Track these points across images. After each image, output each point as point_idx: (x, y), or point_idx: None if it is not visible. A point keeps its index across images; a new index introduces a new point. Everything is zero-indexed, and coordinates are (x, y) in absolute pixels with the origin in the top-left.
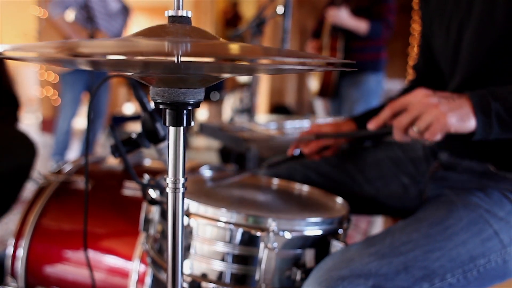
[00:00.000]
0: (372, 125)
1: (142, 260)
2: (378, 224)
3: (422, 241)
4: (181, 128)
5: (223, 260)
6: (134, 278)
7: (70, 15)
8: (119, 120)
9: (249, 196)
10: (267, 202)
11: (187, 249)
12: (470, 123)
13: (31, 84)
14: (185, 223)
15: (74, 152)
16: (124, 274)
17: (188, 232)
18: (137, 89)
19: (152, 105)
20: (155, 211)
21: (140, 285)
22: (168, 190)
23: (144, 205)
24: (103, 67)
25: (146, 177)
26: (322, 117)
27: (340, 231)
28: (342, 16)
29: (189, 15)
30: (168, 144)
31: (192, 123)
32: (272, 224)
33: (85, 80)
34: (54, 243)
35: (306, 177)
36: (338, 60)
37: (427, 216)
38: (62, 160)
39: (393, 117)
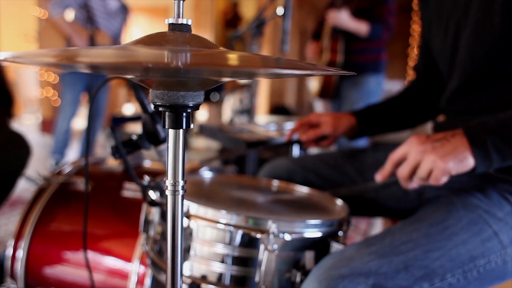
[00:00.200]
0: (379, 178)
1: (142, 262)
2: (377, 225)
3: (422, 241)
4: (181, 130)
5: (222, 262)
6: (133, 279)
7: (70, 14)
8: (119, 121)
9: (249, 198)
10: (267, 204)
11: (186, 250)
12: (469, 162)
13: (31, 84)
14: (185, 224)
15: (73, 153)
16: (124, 276)
17: (188, 233)
18: (138, 90)
19: (152, 106)
20: (155, 213)
21: (139, 287)
22: (168, 192)
23: (144, 206)
24: (102, 71)
25: (146, 178)
26: None
27: (340, 233)
28: (343, 18)
29: (189, 23)
30: (168, 146)
31: (192, 126)
32: (272, 226)
33: (85, 80)
34: (53, 244)
35: (306, 179)
36: (335, 71)
37: (427, 216)
38: (62, 159)
39: (396, 167)
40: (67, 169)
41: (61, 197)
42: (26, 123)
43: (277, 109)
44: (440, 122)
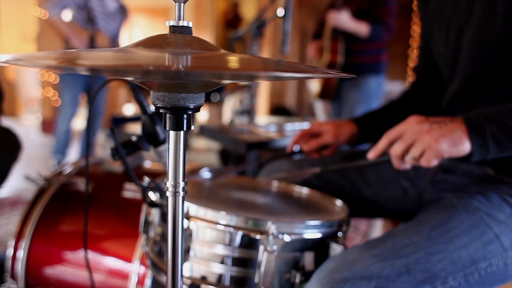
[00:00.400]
0: (371, 155)
1: (142, 262)
2: (378, 226)
3: (423, 244)
4: (181, 132)
5: (222, 262)
6: (134, 279)
7: (68, 15)
8: (119, 121)
9: (249, 199)
10: (267, 205)
11: (186, 251)
12: (464, 147)
13: (32, 84)
14: (185, 225)
15: (73, 153)
16: (124, 276)
17: (187, 234)
18: (137, 92)
19: (152, 108)
20: (155, 214)
21: (139, 287)
22: (168, 194)
23: (144, 207)
24: (103, 73)
25: (146, 179)
26: (323, 119)
27: (340, 234)
28: (343, 19)
29: (190, 25)
30: (168, 148)
31: (192, 127)
32: (271, 227)
33: (84, 81)
34: (54, 244)
35: (305, 181)
36: (336, 73)
37: (428, 219)
38: (64, 159)
39: (390, 146)
40: (68, 169)
41: (61, 197)
42: (26, 123)
43: (278, 109)
44: None
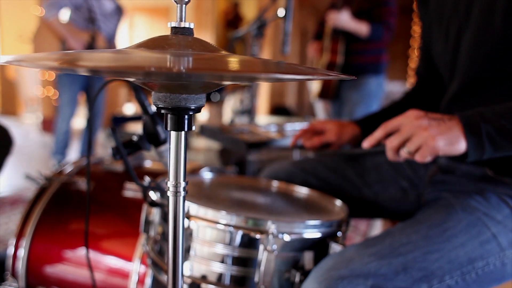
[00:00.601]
0: (366, 144)
1: (142, 261)
2: (377, 226)
3: (421, 243)
4: (182, 132)
5: (222, 262)
6: (134, 278)
7: (65, 16)
8: (119, 120)
9: (249, 199)
10: (267, 204)
11: (187, 251)
12: (460, 146)
13: (32, 83)
14: (185, 225)
15: (73, 152)
16: (124, 275)
17: (188, 234)
18: (139, 92)
19: (153, 108)
20: (155, 213)
21: (140, 286)
22: (169, 193)
23: (145, 206)
24: (104, 74)
25: (147, 179)
26: (323, 119)
27: (339, 233)
28: (343, 19)
29: (192, 27)
30: (170, 148)
31: (193, 128)
32: (271, 226)
33: (82, 80)
34: (55, 243)
35: (305, 182)
36: (336, 75)
37: (426, 218)
38: (63, 159)
39: (386, 137)
40: (68, 169)
41: (62, 196)
42: (27, 122)
43: (278, 109)
44: None
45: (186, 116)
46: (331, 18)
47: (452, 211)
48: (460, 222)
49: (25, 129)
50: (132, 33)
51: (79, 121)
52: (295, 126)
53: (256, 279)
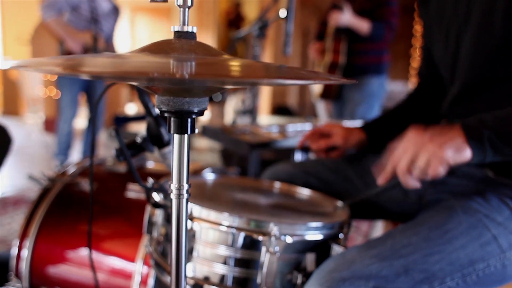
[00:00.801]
0: (381, 181)
1: (145, 262)
2: (379, 227)
3: (422, 244)
4: (185, 135)
5: (225, 263)
6: (137, 279)
7: (63, 17)
8: (121, 120)
9: (251, 200)
10: (269, 206)
11: (190, 252)
12: (466, 153)
13: (35, 84)
14: (188, 226)
15: (76, 153)
16: (127, 276)
17: (191, 235)
18: (142, 93)
19: (156, 109)
20: (158, 214)
21: (143, 287)
22: (172, 196)
23: (148, 208)
24: (107, 79)
25: (150, 180)
26: (324, 119)
27: (341, 235)
28: (345, 17)
29: (195, 31)
30: (173, 151)
31: (196, 130)
32: (273, 228)
33: (82, 81)
34: (58, 244)
35: (307, 183)
36: (338, 79)
37: (427, 220)
38: (66, 160)
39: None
40: (71, 169)
41: (65, 197)
42: (29, 122)
43: (279, 109)
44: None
45: (189, 119)
46: (332, 18)
47: (452, 213)
48: (460, 224)
49: (27, 129)
50: (133, 33)
51: (80, 121)
52: (297, 127)
53: (258, 280)
